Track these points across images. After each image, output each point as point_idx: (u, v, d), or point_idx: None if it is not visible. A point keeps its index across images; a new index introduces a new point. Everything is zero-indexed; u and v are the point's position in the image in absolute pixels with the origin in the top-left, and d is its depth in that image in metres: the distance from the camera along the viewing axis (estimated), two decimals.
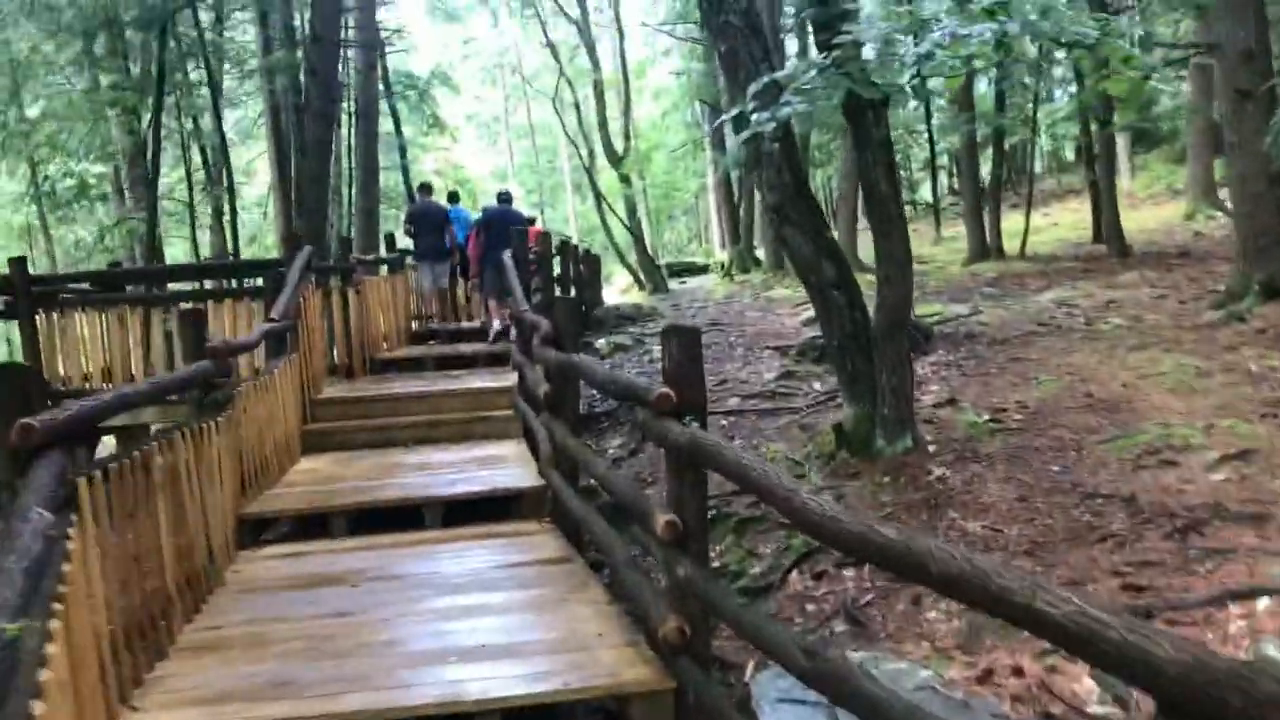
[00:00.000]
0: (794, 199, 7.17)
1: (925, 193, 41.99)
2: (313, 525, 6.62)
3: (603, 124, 26.88)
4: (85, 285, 10.82)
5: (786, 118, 5.70)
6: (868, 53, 6.20)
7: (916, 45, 5.67)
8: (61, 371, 9.79)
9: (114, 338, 9.70)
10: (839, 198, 21.88)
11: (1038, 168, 36.08)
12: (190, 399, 6.01)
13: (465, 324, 15.16)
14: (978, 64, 6.23)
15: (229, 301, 9.80)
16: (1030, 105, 20.99)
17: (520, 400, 8.78)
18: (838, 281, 7.25)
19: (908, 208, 38.54)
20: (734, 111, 6.32)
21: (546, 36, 29.84)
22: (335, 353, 11.06)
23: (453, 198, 14.42)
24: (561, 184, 54.22)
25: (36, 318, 9.60)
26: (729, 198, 27.84)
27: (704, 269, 31.79)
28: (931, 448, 7.15)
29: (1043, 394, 8.17)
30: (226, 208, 15.73)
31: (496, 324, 12.65)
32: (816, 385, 9.68)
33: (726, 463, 3.23)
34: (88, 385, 9.68)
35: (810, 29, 8.08)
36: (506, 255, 9.50)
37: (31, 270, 10.66)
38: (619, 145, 27.61)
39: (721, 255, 34.09)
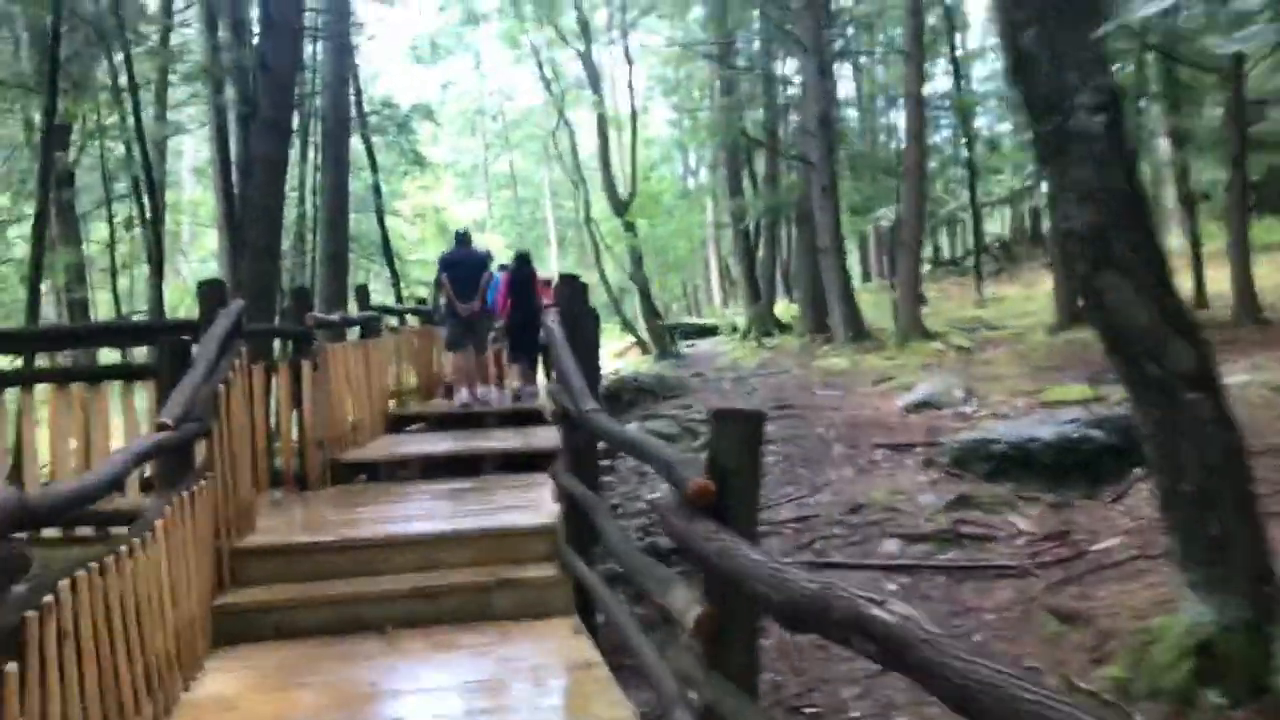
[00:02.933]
0: (1125, 220, 3.86)
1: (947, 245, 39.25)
2: None
3: (605, 164, 23.68)
4: None
5: None
6: None
7: None
8: None
9: None
10: (895, 239, 18.63)
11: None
12: None
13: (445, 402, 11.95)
14: None
15: (116, 386, 6.34)
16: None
17: (571, 553, 5.38)
18: (1198, 375, 3.92)
19: (930, 265, 35.45)
20: None
21: (542, 70, 26.70)
22: (281, 456, 7.64)
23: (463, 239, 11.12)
24: (544, 237, 51.03)
25: None
26: (747, 250, 24.61)
27: (712, 330, 28.52)
28: None
29: None
30: (154, 249, 12.28)
31: (493, 393, 10.90)
32: (1020, 522, 6.32)
33: None
34: None
35: None
36: (553, 320, 6.02)
37: None
38: (622, 189, 24.42)
39: (727, 313, 30.90)
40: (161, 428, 4.72)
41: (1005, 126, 29.05)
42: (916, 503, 6.86)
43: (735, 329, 26.19)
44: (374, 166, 19.34)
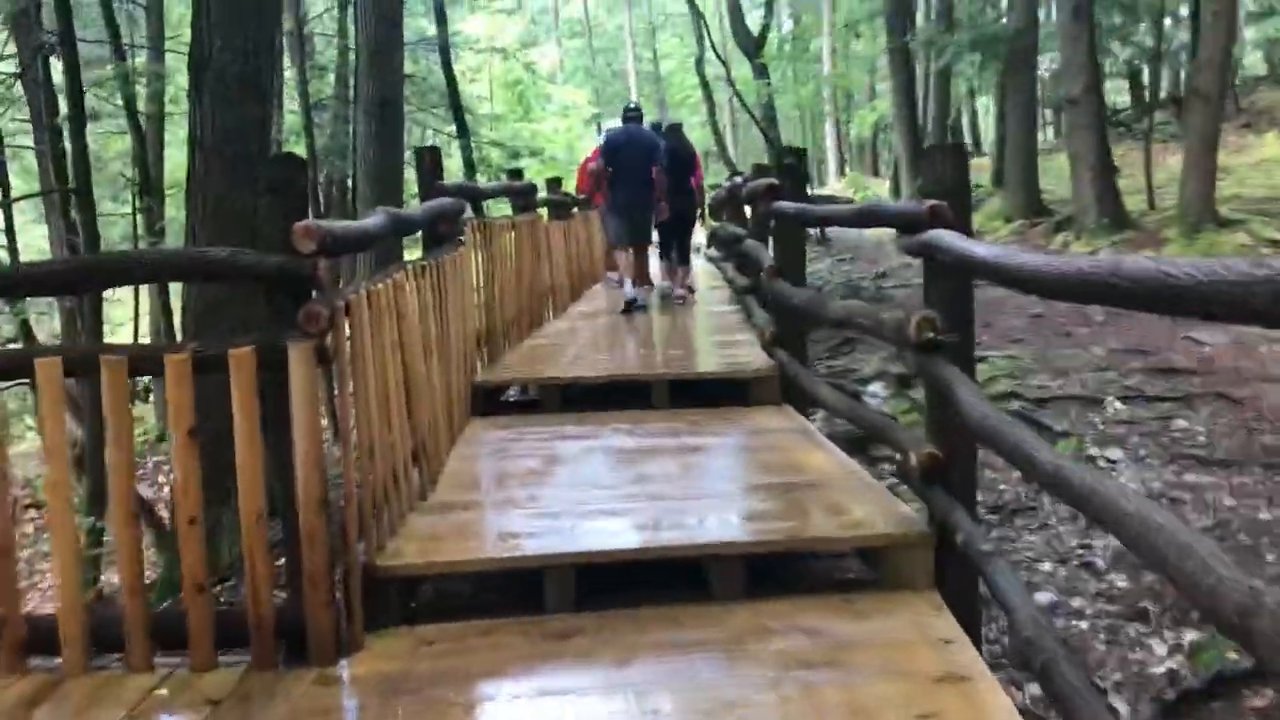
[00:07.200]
0: None
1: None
2: None
3: None
4: None
5: None
6: None
7: None
8: None
9: None
10: (1190, 94, 13.25)
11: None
12: None
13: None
14: None
15: None
16: None
17: None
18: None
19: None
20: None
21: None
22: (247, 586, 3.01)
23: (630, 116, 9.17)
24: (624, 93, 45.38)
25: None
26: (910, 104, 19.25)
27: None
28: None
29: None
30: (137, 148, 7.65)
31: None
32: None
33: None
34: None
35: None
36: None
37: None
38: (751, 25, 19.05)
39: (863, 184, 25.58)
40: None
41: None
42: None
43: None
44: None
